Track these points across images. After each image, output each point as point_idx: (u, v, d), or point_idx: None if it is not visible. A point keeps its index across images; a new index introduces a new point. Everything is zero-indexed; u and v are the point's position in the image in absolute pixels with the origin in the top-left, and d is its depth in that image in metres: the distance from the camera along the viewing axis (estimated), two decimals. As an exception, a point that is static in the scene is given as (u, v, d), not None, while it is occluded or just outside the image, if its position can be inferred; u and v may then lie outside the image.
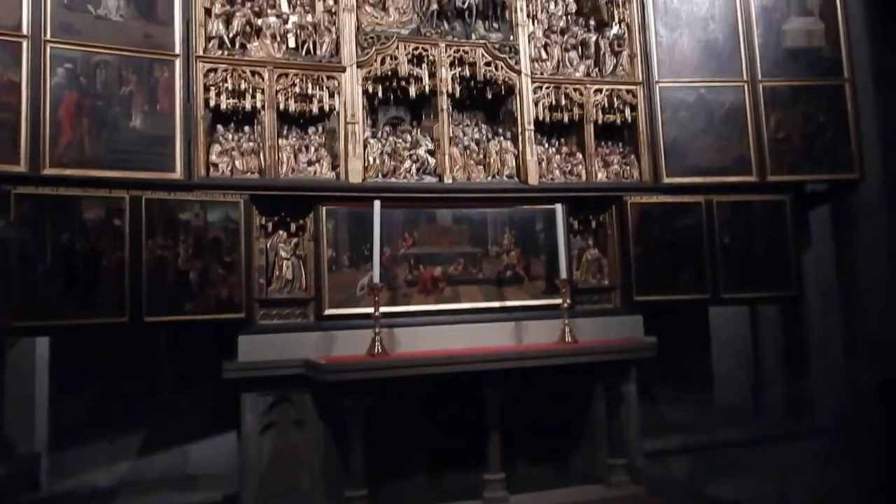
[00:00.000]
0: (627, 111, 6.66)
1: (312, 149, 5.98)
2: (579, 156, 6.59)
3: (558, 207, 6.04)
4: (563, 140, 6.68)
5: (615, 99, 6.65)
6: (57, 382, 5.73)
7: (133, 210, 5.23)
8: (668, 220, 6.49)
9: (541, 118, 6.44)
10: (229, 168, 5.69)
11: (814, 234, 7.38)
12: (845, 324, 7.31)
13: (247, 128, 5.86)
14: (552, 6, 6.91)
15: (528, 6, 6.57)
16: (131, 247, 5.20)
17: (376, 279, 5.48)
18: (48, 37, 5.13)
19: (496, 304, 6.14)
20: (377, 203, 5.57)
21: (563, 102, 6.53)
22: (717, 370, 7.60)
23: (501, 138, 6.43)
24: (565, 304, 5.84)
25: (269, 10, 6.02)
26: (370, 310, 5.47)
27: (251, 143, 5.81)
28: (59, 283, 4.96)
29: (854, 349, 7.22)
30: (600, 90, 6.64)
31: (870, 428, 6.73)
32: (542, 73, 6.53)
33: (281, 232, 5.85)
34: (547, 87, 6.51)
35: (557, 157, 6.57)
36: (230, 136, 5.80)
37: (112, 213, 5.17)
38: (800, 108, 6.67)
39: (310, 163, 5.93)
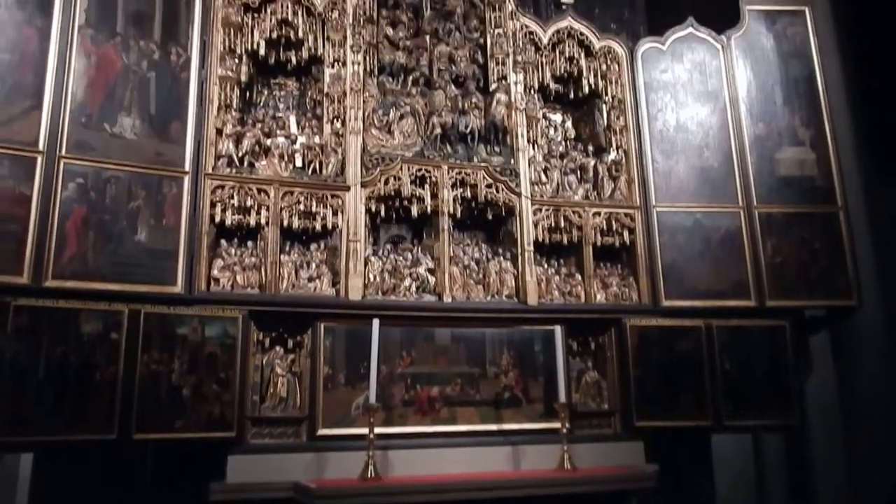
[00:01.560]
0: (626, 234, 6.76)
1: (313, 265, 6.03)
2: (578, 277, 6.64)
3: (557, 329, 6.03)
4: (562, 261, 6.75)
5: (614, 222, 6.77)
6: (37, 501, 5.53)
7: (131, 323, 5.22)
8: (667, 344, 6.46)
9: (540, 239, 6.54)
10: (230, 283, 5.72)
11: (815, 358, 7.31)
12: (848, 446, 7.12)
13: (250, 243, 5.93)
14: (552, 132, 7.18)
15: (528, 131, 6.78)
16: (126, 361, 5.16)
17: (372, 399, 5.40)
18: (63, 153, 5.30)
19: (493, 426, 6.02)
20: (376, 322, 5.57)
21: (563, 224, 6.65)
22: (720, 496, 7.34)
23: (501, 258, 6.50)
24: (564, 429, 5.72)
25: (278, 131, 6.24)
26: (365, 430, 5.36)
27: (253, 259, 5.87)
28: (49, 398, 4.89)
29: (858, 471, 7.01)
30: (599, 213, 6.77)
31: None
32: (541, 196, 6.68)
33: (278, 348, 5.82)
34: (546, 210, 6.64)
35: (557, 277, 6.61)
36: (233, 250, 5.86)
37: (110, 326, 5.17)
38: (795, 234, 6.79)
39: (310, 279, 5.96)
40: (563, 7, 7.26)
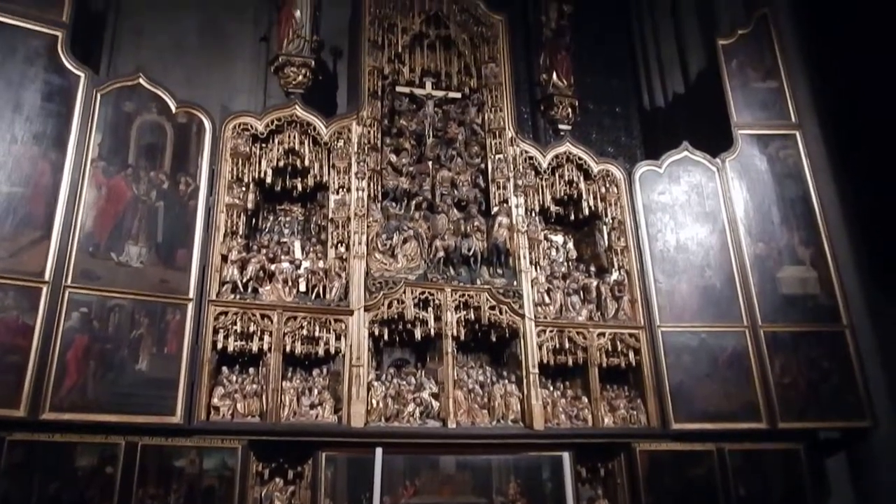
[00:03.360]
0: (631, 354, 6.70)
1: (315, 391, 5.95)
2: (585, 399, 6.52)
3: (565, 457, 5.89)
4: (567, 383, 6.66)
5: (618, 342, 6.72)
6: None
7: (127, 457, 5.11)
8: (679, 469, 6.28)
9: (545, 361, 6.47)
10: (230, 411, 5.62)
11: (832, 481, 7.05)
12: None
13: (251, 370, 5.88)
14: (554, 253, 7.26)
15: (530, 253, 6.84)
16: (120, 496, 5.01)
17: (374, 536, 5.19)
18: (69, 282, 5.35)
19: (501, 564, 5.76)
20: (379, 451, 5.44)
21: (567, 346, 6.60)
22: None
23: (506, 381, 6.41)
24: (576, 565, 5.46)
25: (283, 257, 6.29)
26: (367, 569, 5.12)
27: (254, 386, 5.79)
28: (37, 540, 4.71)
29: None
30: (603, 334, 6.72)
31: None
32: (545, 317, 6.66)
33: (277, 479, 5.66)
34: (551, 331, 6.60)
35: (563, 400, 6.50)
36: (234, 377, 5.80)
37: (106, 460, 5.05)
38: (803, 353, 6.73)
39: (312, 406, 5.86)
40: (561, 133, 7.50)
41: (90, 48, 6.85)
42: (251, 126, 6.45)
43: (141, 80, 6.13)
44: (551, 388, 6.55)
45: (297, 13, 6.87)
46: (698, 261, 7.03)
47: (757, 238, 7.13)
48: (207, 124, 6.29)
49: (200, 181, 6.12)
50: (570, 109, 7.55)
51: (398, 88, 7.28)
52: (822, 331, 6.83)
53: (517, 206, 6.93)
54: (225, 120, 6.39)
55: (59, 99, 5.73)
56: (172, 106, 6.18)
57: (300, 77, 6.77)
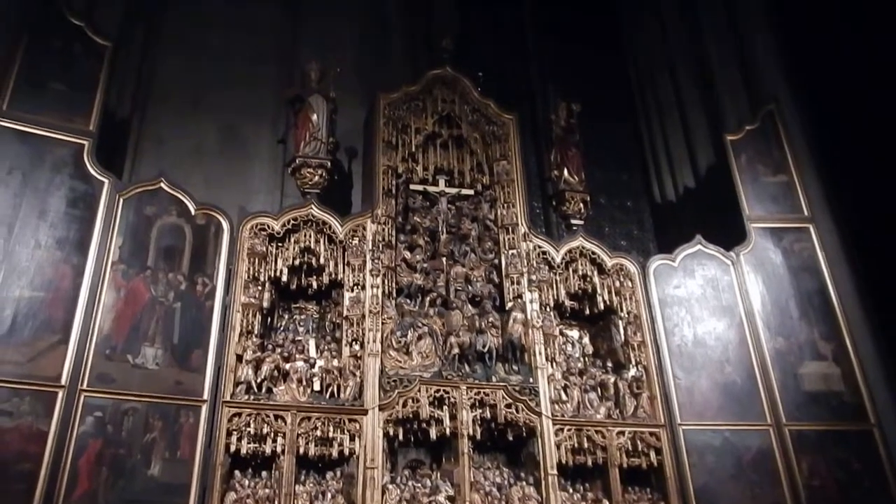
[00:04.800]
0: (652, 454, 6.52)
1: (329, 496, 5.82)
2: (606, 503, 6.30)
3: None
4: (587, 485, 6.46)
5: (639, 441, 6.55)
6: None
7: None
8: (707, 580, 6.00)
9: (563, 462, 6.31)
10: (242, 518, 5.49)
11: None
12: None
13: (264, 473, 5.78)
14: (569, 348, 7.20)
15: (546, 349, 6.78)
16: None
17: None
18: (84, 386, 5.37)
19: None
20: (392, 566, 5.24)
21: (586, 445, 6.44)
22: None
23: (524, 483, 6.24)
24: None
25: (297, 355, 6.28)
26: None
27: (267, 490, 5.68)
28: None
29: None
30: (623, 432, 6.57)
31: None
32: (562, 415, 6.54)
33: (289, 590, 5.46)
34: (568, 430, 6.47)
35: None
36: (246, 482, 5.70)
37: (109, 578, 4.91)
38: (830, 453, 6.52)
39: (325, 511, 5.72)
40: (574, 227, 7.56)
41: (114, 153, 7.08)
42: (268, 226, 6.58)
43: (162, 185, 6.31)
44: (570, 491, 6.35)
45: (314, 116, 7.11)
46: (717, 356, 6.93)
47: (776, 332, 7.04)
48: (225, 225, 6.42)
49: (217, 281, 6.20)
50: (581, 204, 7.63)
51: (412, 186, 7.42)
52: (849, 429, 6.65)
53: (531, 301, 6.92)
54: (242, 220, 6.52)
55: (83, 204, 5.91)
56: (192, 208, 6.34)
57: (316, 177, 6.94)
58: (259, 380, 6.01)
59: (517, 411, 6.39)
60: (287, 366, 6.18)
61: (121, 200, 6.08)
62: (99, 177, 6.07)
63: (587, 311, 7.35)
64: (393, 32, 9.15)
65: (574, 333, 7.43)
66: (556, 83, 8.22)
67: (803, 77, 8.57)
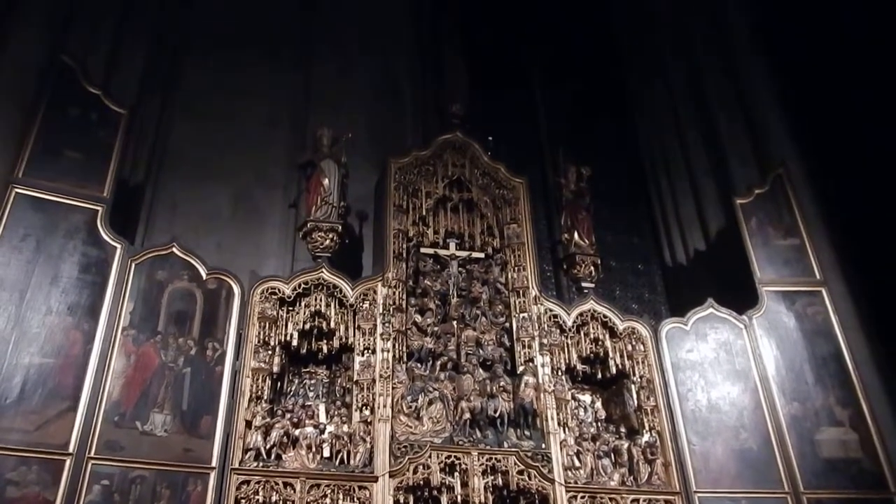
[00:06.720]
0: (669, 524, 6.37)
1: (339, 565, 5.67)
2: (621, 573, 6.14)
3: None
4: (605, 559, 6.29)
5: (654, 509, 6.40)
6: None
7: None
8: None
9: (578, 532, 6.16)
10: (248, 592, 5.35)
11: None
12: None
13: (272, 546, 5.64)
14: (582, 413, 7.10)
15: (558, 414, 6.68)
16: None
17: None
18: (92, 454, 5.31)
19: None
20: None
21: (601, 514, 6.30)
22: None
23: (539, 556, 6.08)
24: None
25: (307, 421, 6.21)
26: None
27: (276, 559, 5.55)
28: None
29: None
30: (637, 500, 6.43)
31: None
32: (575, 482, 6.40)
33: None
34: (582, 498, 6.33)
35: (599, 577, 6.12)
36: (254, 554, 5.56)
37: None
38: (852, 524, 6.35)
39: (334, 584, 5.57)
40: (585, 290, 7.54)
41: (127, 219, 7.15)
42: (279, 290, 6.58)
43: (174, 249, 6.36)
44: (586, 561, 6.20)
45: (326, 181, 7.19)
46: (732, 422, 6.82)
47: (791, 398, 6.94)
48: (236, 289, 6.43)
49: (227, 346, 6.18)
50: (592, 268, 7.63)
51: (422, 249, 7.44)
52: (868, 498, 6.49)
53: (543, 366, 6.85)
54: (253, 285, 6.53)
55: (95, 270, 5.95)
56: (203, 273, 6.36)
57: (327, 241, 6.98)
58: (268, 446, 5.93)
59: (529, 478, 6.26)
60: (297, 431, 6.11)
61: (133, 265, 6.12)
62: (112, 242, 6.12)
63: (599, 376, 7.27)
64: (404, 98, 9.33)
65: (586, 398, 7.34)
66: (566, 147, 8.32)
67: (812, 140, 8.68)
